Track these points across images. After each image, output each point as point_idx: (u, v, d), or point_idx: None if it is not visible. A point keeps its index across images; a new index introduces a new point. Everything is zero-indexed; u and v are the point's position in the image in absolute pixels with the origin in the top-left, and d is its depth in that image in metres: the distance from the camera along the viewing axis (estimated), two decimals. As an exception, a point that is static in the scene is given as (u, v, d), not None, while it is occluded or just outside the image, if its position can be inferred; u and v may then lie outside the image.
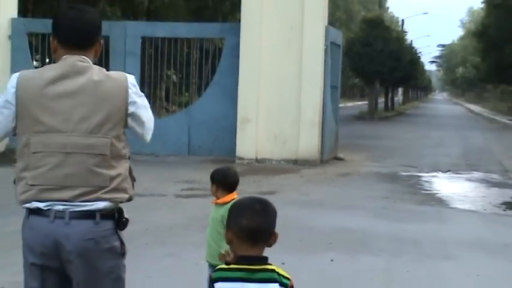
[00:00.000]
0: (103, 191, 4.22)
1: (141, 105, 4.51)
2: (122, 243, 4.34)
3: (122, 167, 4.38)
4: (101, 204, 4.26)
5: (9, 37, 22.45)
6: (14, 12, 22.76)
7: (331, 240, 11.50)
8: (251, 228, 3.79)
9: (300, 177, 19.28)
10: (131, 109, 4.37)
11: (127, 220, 4.41)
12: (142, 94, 4.54)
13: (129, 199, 4.40)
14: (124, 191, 4.35)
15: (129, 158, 4.51)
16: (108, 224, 4.31)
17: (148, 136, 4.56)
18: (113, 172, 4.31)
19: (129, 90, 4.37)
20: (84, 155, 4.23)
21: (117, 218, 4.31)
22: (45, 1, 28.33)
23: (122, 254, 4.35)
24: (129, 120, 4.39)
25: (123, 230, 4.39)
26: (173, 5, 35.68)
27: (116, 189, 4.30)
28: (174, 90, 26.98)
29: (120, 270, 4.39)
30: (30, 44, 22.95)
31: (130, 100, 4.38)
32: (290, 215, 11.70)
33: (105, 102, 4.28)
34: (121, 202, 4.38)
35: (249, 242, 3.79)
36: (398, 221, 13.63)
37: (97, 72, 4.30)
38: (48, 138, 4.21)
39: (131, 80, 4.43)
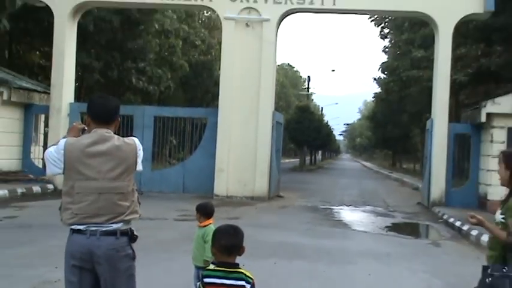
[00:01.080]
0: (123, 216, 4.46)
1: (141, 157, 4.71)
2: (133, 251, 4.53)
3: (134, 196, 4.60)
4: (119, 225, 4.46)
5: (68, 115, 21.96)
6: (71, 99, 22.43)
7: (275, 250, 11.65)
8: (227, 246, 4.03)
9: (255, 208, 19.19)
10: (138, 161, 4.60)
11: (137, 236, 4.58)
12: (141, 149, 4.73)
13: (139, 217, 4.64)
14: (136, 212, 4.59)
15: (136, 189, 4.72)
16: (125, 239, 4.51)
17: (141, 168, 4.69)
18: (128, 202, 4.54)
19: (138, 152, 4.61)
20: (111, 194, 4.44)
21: (130, 235, 4.50)
22: (93, 91, 27.96)
23: (133, 258, 4.53)
24: (136, 167, 4.61)
25: (134, 242, 4.57)
26: (175, 96, 36.35)
27: (131, 212, 4.52)
28: (174, 150, 26.39)
29: (133, 270, 4.56)
30: (82, 119, 22.13)
31: (138, 159, 4.60)
32: (248, 233, 11.34)
33: (123, 160, 4.51)
34: (134, 219, 4.60)
35: (226, 254, 4.03)
36: (318, 238, 13.76)
37: (116, 139, 4.54)
38: (87, 184, 4.40)
39: (138, 144, 4.69)
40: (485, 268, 4.94)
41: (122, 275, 4.45)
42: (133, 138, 4.73)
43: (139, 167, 4.66)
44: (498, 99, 20.09)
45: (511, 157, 5.04)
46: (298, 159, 62.70)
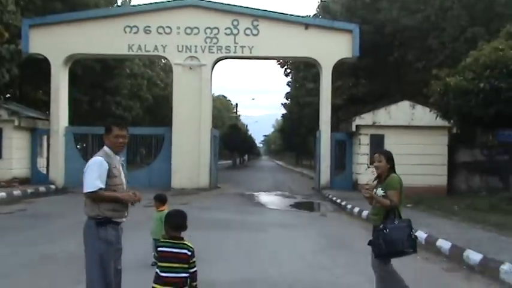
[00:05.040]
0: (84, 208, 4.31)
1: (86, 174, 4.23)
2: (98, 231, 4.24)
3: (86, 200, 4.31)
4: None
5: (64, 135, 21.36)
6: (66, 123, 21.80)
7: (213, 224, 11.46)
8: (175, 224, 3.98)
9: (200, 196, 18.81)
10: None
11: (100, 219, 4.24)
12: (88, 166, 4.21)
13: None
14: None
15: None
16: (92, 221, 4.22)
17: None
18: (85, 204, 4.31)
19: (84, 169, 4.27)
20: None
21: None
22: (82, 118, 27.19)
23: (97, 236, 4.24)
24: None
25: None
26: (141, 118, 34.96)
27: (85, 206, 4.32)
28: (143, 157, 25.40)
29: (88, 245, 4.25)
30: (75, 139, 22.06)
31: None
32: (195, 213, 11.49)
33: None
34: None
35: (174, 230, 3.97)
36: (243, 215, 13.65)
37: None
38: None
39: (89, 162, 4.27)
40: (375, 227, 5.06)
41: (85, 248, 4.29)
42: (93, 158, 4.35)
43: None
44: (363, 115, 20.60)
45: (391, 155, 5.22)
46: (231, 161, 62.83)
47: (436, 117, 16.79)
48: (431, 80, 15.89)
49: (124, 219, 4.40)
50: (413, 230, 4.97)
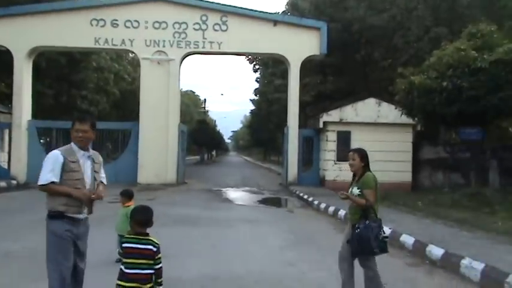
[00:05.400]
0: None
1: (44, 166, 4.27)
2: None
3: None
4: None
5: (27, 129, 20.80)
6: (29, 117, 21.17)
7: (180, 220, 11.41)
8: (141, 220, 3.93)
9: (167, 192, 18.68)
10: None
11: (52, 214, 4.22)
12: (45, 160, 4.24)
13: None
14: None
15: None
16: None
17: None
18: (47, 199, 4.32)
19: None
20: None
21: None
22: (47, 112, 26.55)
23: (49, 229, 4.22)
24: None
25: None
26: (108, 113, 34.29)
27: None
28: (109, 152, 24.96)
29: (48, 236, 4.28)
30: (38, 133, 21.45)
31: None
32: (161, 209, 11.48)
33: None
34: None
35: (140, 226, 3.93)
36: (211, 210, 13.61)
37: None
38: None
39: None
40: (353, 225, 5.11)
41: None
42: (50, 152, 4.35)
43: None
44: (330, 112, 20.79)
45: (365, 153, 5.25)
46: (199, 156, 62.55)
47: (401, 115, 17.07)
48: (397, 78, 16.11)
49: (82, 216, 4.31)
50: (382, 231, 5.03)
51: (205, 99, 73.88)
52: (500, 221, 10.52)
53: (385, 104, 20.23)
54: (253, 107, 56.63)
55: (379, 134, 19.90)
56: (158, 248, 3.87)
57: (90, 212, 4.39)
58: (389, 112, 19.80)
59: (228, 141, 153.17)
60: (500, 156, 19.16)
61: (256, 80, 47.28)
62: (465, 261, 6.77)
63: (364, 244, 4.93)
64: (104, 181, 4.67)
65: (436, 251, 7.60)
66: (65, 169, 4.19)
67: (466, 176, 17.39)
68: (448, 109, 14.04)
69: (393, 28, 24.12)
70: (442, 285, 6.43)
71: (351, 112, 20.47)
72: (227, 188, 21.28)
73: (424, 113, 15.42)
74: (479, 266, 6.51)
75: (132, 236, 3.91)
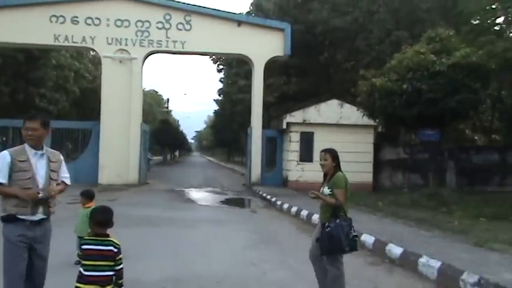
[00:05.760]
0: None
1: None
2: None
3: None
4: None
5: None
6: None
7: (141, 221, 11.25)
8: (100, 221, 3.88)
9: (128, 192, 18.40)
10: None
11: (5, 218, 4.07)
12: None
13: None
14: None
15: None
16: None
17: None
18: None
19: None
20: None
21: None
22: (3, 110, 25.75)
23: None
24: None
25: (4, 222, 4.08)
26: (68, 111, 33.53)
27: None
28: (69, 152, 24.37)
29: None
30: None
31: None
32: (122, 210, 11.33)
33: None
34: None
35: (100, 227, 3.87)
36: (173, 211, 13.52)
37: None
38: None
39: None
40: (323, 224, 5.18)
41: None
42: None
43: None
44: (294, 113, 20.98)
45: (336, 154, 5.32)
46: (161, 157, 61.88)
47: (363, 116, 17.34)
48: (359, 80, 16.38)
49: (36, 217, 4.13)
50: (352, 230, 5.12)
51: (168, 99, 73.40)
52: (457, 220, 10.81)
53: (347, 106, 20.53)
54: (217, 107, 56.61)
55: (342, 135, 20.02)
56: (119, 249, 3.82)
57: (46, 212, 4.20)
58: (352, 113, 20.11)
59: (191, 141, 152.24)
60: (457, 157, 19.81)
61: (220, 80, 47.30)
62: (423, 260, 6.92)
63: (334, 243, 5.00)
64: (67, 181, 4.48)
65: (395, 250, 7.74)
66: (13, 169, 4.05)
67: (425, 177, 17.81)
68: (408, 111, 14.33)
69: (356, 31, 24.58)
70: (401, 283, 6.56)
71: (314, 113, 20.67)
72: (190, 189, 21.14)
73: (385, 114, 15.69)
74: (436, 264, 6.65)
75: (92, 238, 3.85)
